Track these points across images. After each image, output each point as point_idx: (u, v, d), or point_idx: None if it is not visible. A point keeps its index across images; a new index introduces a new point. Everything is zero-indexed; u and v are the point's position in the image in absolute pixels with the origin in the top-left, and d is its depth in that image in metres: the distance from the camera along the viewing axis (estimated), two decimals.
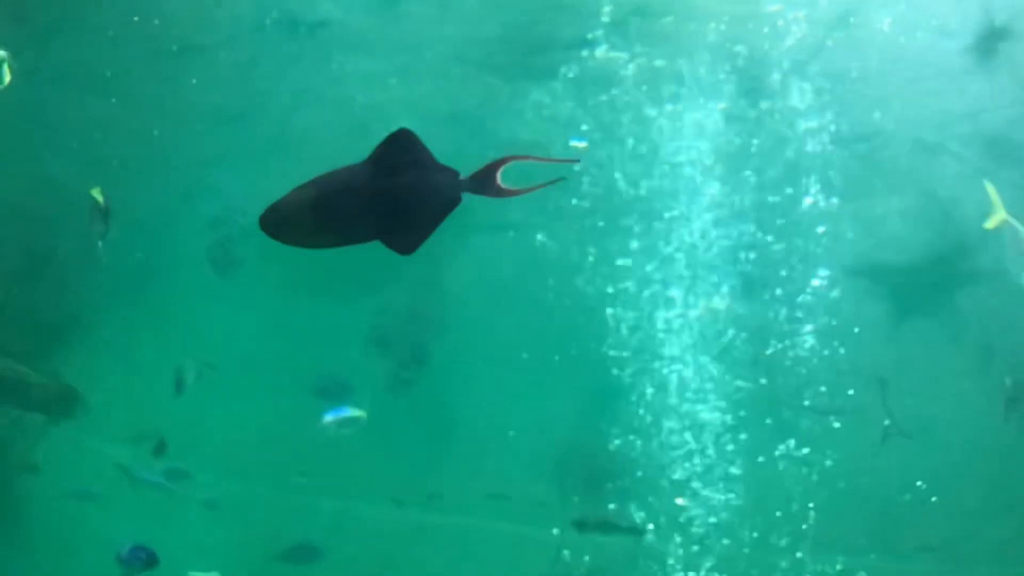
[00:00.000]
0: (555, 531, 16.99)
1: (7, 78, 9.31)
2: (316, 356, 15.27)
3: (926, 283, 12.89)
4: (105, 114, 11.46)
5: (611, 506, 16.48)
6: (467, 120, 11.28)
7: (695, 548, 15.62)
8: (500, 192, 3.02)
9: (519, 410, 16.64)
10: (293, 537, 15.44)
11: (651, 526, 15.50)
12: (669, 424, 15.10)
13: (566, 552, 16.83)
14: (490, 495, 17.94)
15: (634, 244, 13.05)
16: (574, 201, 12.46)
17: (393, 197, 2.99)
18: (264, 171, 11.10)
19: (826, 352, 13.69)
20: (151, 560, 9.34)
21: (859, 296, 13.24)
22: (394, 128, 3.16)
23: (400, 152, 3.02)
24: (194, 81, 10.92)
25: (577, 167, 11.57)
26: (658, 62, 10.47)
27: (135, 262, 13.43)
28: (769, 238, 12.53)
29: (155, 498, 14.78)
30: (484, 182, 3.03)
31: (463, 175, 3.07)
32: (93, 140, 11.86)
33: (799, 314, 13.41)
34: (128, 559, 9.53)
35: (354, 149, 3.15)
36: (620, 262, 13.33)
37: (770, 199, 11.95)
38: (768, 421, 14.82)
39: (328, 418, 12.03)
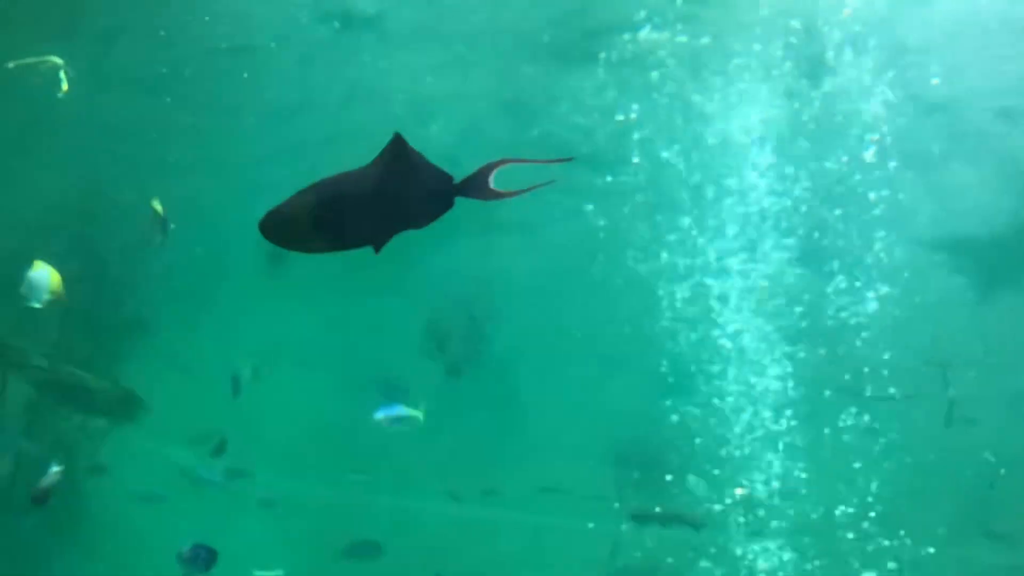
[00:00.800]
0: (614, 524, 16.90)
1: (64, 85, 9.43)
2: (371, 353, 15.27)
3: (1011, 253, 12.40)
4: (161, 115, 11.56)
5: (669, 496, 16.31)
6: (521, 108, 11.23)
7: (757, 533, 15.40)
8: (492, 195, 3.05)
9: (574, 403, 16.51)
10: (352, 534, 15.49)
11: (715, 506, 15.23)
12: (733, 409, 14.83)
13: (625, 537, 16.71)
14: (545, 488, 17.87)
15: (687, 221, 12.80)
16: (623, 178, 12.26)
17: (388, 202, 3.04)
18: (320, 166, 11.07)
19: (890, 321, 13.28)
20: (211, 558, 9.44)
21: (941, 270, 12.79)
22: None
23: (396, 158, 3.06)
24: (245, 75, 10.97)
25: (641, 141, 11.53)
26: (705, 39, 10.28)
27: (192, 264, 13.51)
28: (834, 211, 12.18)
29: (217, 498, 14.92)
30: (476, 185, 3.07)
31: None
32: (151, 141, 11.97)
33: (874, 289, 13.00)
34: (189, 558, 9.64)
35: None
36: (672, 237, 13.12)
37: (835, 173, 11.60)
38: (827, 393, 14.48)
39: (380, 415, 11.90)
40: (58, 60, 9.67)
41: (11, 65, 9.54)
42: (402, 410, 11.81)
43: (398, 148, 3.05)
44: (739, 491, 15.38)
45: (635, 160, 12.00)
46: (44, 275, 7.26)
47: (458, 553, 16.96)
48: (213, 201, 12.52)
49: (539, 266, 13.95)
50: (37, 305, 7.30)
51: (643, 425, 16.20)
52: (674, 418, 15.35)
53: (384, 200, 3.04)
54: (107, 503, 14.86)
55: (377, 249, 3.08)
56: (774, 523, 15.23)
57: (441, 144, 11.25)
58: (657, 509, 15.73)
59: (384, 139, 3.12)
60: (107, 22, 10.40)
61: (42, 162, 12.22)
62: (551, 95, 11.14)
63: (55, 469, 8.01)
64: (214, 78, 10.94)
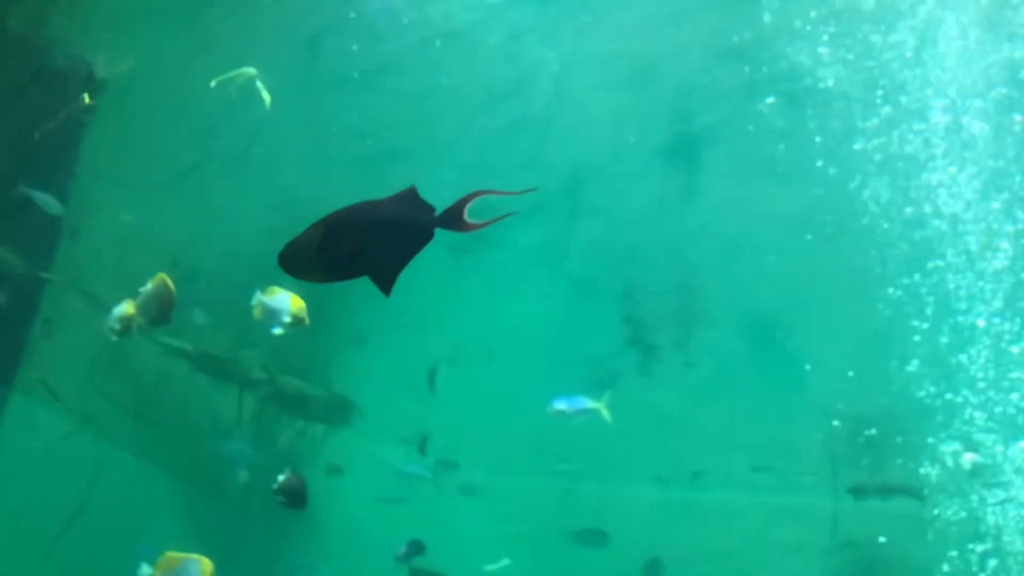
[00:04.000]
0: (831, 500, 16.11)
1: (267, 97, 9.73)
2: (570, 340, 15.12)
3: None
4: (380, 109, 11.81)
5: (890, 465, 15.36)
6: (746, 53, 10.80)
7: (987, 508, 14.19)
8: (466, 227, 3.16)
9: (781, 376, 15.80)
10: (565, 522, 15.44)
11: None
12: (951, 371, 13.67)
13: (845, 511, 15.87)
14: (757, 468, 17.27)
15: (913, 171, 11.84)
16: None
17: (374, 235, 3.17)
18: (545, 142, 11.09)
19: None
20: (419, 548, 10.05)
21: None
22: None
23: (397, 196, 3.21)
24: (461, 64, 11.06)
25: None
26: None
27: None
28: None
29: (435, 496, 15.20)
30: (453, 218, 3.18)
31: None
32: (369, 135, 12.22)
33: None
34: (405, 556, 9.94)
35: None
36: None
37: None
38: None
39: (558, 406, 11.30)
40: (251, 71, 9.99)
41: (213, 84, 9.97)
42: (583, 402, 11.20)
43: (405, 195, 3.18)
44: (969, 456, 14.27)
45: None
46: (284, 300, 7.35)
47: (671, 537, 16.65)
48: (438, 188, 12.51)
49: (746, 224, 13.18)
50: (279, 332, 7.40)
51: (856, 400, 15.32)
52: (903, 376, 14.32)
53: (371, 233, 3.16)
54: (335, 505, 15.44)
55: (387, 292, 3.20)
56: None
57: (665, 101, 10.94)
58: (877, 481, 14.93)
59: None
60: (310, 26, 10.70)
61: (266, 170, 12.68)
62: (763, 34, 10.64)
63: (293, 472, 8.22)
64: (426, 66, 11.06)
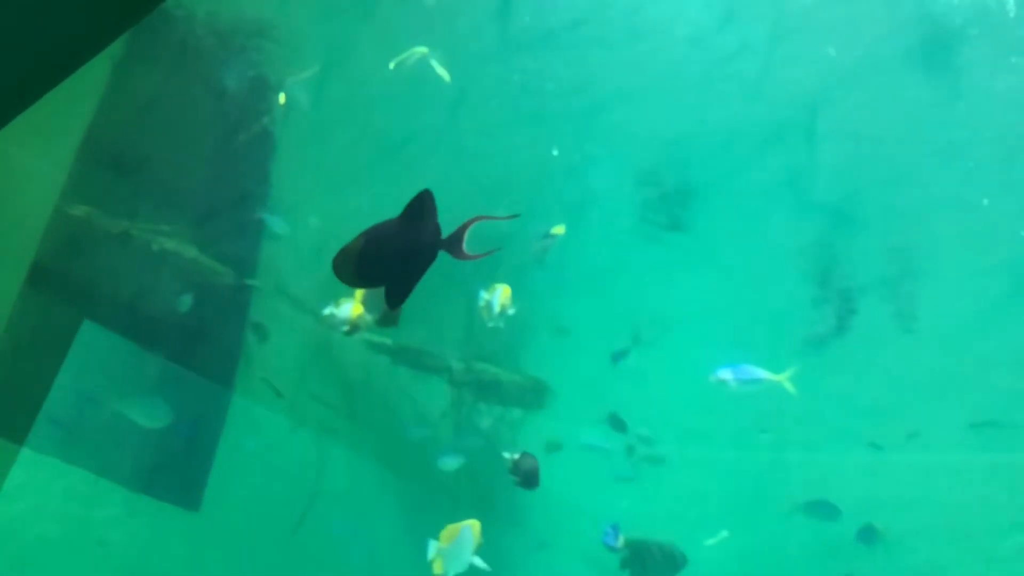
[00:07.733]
0: None
1: (443, 73, 9.77)
2: (758, 310, 14.52)
3: None
4: (586, 62, 11.59)
5: None
6: None
7: None
8: (462, 254, 3.33)
9: (999, 321, 14.57)
10: (780, 493, 14.91)
11: None
12: None
13: None
14: (976, 424, 16.11)
15: None
16: None
17: (395, 252, 3.32)
18: (767, 67, 10.54)
19: None
20: (618, 531, 10.08)
21: None
22: None
23: (416, 210, 3.33)
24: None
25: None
26: None
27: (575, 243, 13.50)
28: None
29: (650, 470, 15.06)
30: (454, 243, 3.36)
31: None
32: (576, 90, 11.96)
33: None
34: (620, 544, 9.91)
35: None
36: None
37: None
38: None
39: (722, 375, 10.23)
40: (423, 49, 10.15)
41: (391, 65, 10.13)
42: (754, 371, 10.24)
43: (425, 203, 3.30)
44: None
45: None
46: (498, 292, 7.65)
47: (886, 502, 15.79)
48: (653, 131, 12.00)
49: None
50: (500, 325, 7.67)
51: None
52: None
53: (397, 250, 3.32)
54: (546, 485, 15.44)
55: (394, 305, 3.34)
56: None
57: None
58: None
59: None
60: None
61: (471, 143, 12.65)
62: None
63: (525, 453, 8.16)
64: (625, 11, 10.78)
